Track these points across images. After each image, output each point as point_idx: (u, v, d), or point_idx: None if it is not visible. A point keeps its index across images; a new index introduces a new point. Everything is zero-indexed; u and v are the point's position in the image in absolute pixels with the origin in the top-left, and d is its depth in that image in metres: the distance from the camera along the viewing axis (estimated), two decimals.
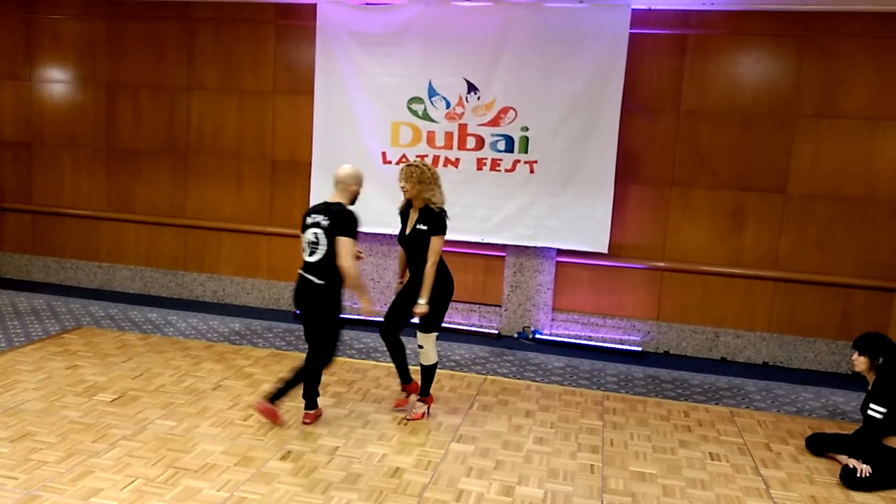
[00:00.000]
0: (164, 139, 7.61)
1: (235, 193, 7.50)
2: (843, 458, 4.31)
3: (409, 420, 4.72)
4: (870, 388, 4.42)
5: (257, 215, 7.49)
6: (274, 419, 4.47)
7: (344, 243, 4.28)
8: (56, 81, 7.84)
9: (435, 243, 4.53)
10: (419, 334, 4.66)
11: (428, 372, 4.73)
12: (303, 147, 7.18)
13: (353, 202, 4.49)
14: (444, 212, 4.56)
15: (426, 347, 4.66)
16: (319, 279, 4.35)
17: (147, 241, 7.81)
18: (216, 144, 7.48)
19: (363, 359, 5.93)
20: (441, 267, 4.64)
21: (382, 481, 3.89)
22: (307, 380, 4.53)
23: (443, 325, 4.75)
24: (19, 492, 3.56)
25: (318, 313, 4.44)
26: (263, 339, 6.40)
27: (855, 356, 4.45)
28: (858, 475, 4.09)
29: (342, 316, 4.55)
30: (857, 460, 4.17)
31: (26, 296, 7.40)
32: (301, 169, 7.21)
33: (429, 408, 4.85)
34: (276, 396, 4.43)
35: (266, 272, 7.55)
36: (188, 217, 7.65)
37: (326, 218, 4.34)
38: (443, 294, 4.65)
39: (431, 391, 4.85)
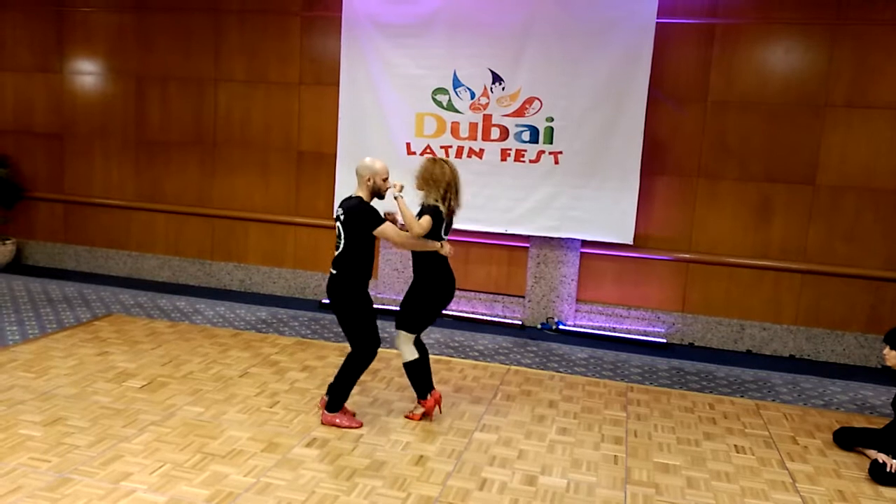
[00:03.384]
0: (192, 130, 7.70)
1: (262, 184, 7.57)
2: (872, 453, 4.26)
3: (407, 417, 4.58)
4: None
5: (283, 205, 7.56)
6: (347, 425, 4.40)
7: (384, 231, 4.23)
8: (87, 73, 7.97)
9: (426, 219, 4.25)
10: (397, 331, 4.49)
11: (408, 371, 4.50)
12: (328, 138, 7.22)
13: (376, 195, 4.33)
14: (438, 206, 4.30)
15: (398, 344, 4.47)
16: (334, 269, 4.32)
17: (175, 231, 7.92)
18: (243, 135, 7.55)
19: (387, 348, 5.96)
20: (442, 267, 4.43)
21: (406, 469, 3.92)
22: (337, 376, 4.42)
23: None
24: (52, 474, 3.65)
25: (334, 304, 4.36)
26: (289, 327, 6.47)
27: (886, 350, 4.38)
28: (888, 470, 4.04)
29: (367, 307, 4.37)
30: (887, 455, 4.11)
31: (58, 283, 7.55)
32: (326, 160, 7.25)
33: (427, 413, 4.55)
34: (331, 406, 4.41)
35: (292, 262, 7.62)
36: (216, 207, 7.75)
37: (343, 212, 4.28)
38: (436, 294, 4.45)
39: (458, 386, 4.83)
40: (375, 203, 4.34)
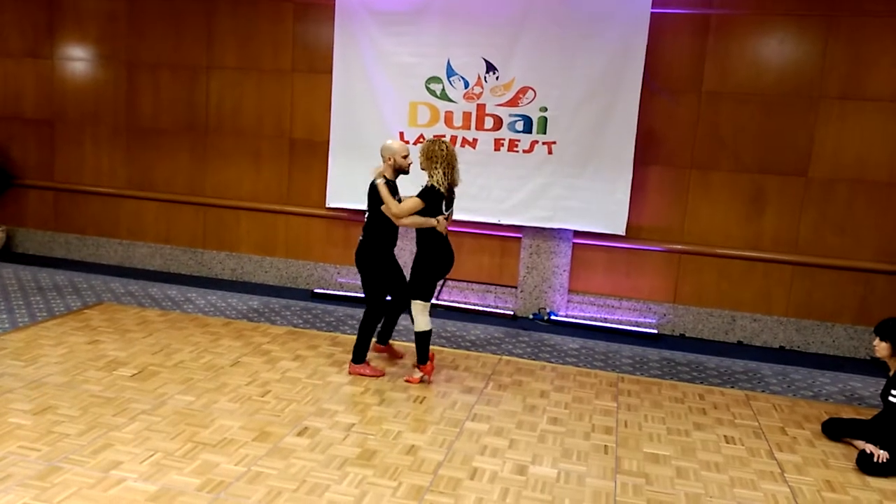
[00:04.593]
0: (184, 118, 7.65)
1: (254, 172, 7.53)
2: (860, 444, 4.29)
3: (406, 381, 5.01)
4: (891, 374, 4.39)
5: (275, 194, 7.53)
6: (369, 374, 5.07)
7: (383, 196, 4.78)
8: (77, 59, 7.89)
9: (409, 200, 4.77)
10: (412, 301, 4.93)
11: (417, 339, 4.94)
12: (321, 126, 7.19)
13: (400, 172, 4.92)
14: (434, 187, 4.75)
15: (413, 314, 4.91)
16: (361, 236, 5.00)
17: (167, 219, 7.89)
18: (235, 123, 7.51)
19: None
20: (439, 239, 4.88)
21: (397, 458, 3.93)
22: (358, 334, 5.08)
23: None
24: (41, 463, 3.63)
25: (358, 266, 5.01)
26: (281, 316, 6.46)
27: (876, 342, 4.41)
28: (875, 460, 4.07)
29: (386, 272, 5.02)
30: (875, 445, 4.15)
31: (48, 272, 7.51)
32: (319, 148, 7.22)
33: (427, 376, 5.01)
34: (355, 357, 5.09)
35: (284, 251, 7.59)
36: (207, 195, 7.71)
37: (369, 188, 4.92)
38: (434, 263, 4.90)
39: (456, 371, 4.90)
40: (401, 180, 5.02)
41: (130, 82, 7.76)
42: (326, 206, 7.25)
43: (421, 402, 4.71)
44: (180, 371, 4.97)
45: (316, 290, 7.33)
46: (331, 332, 6.09)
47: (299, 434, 4.14)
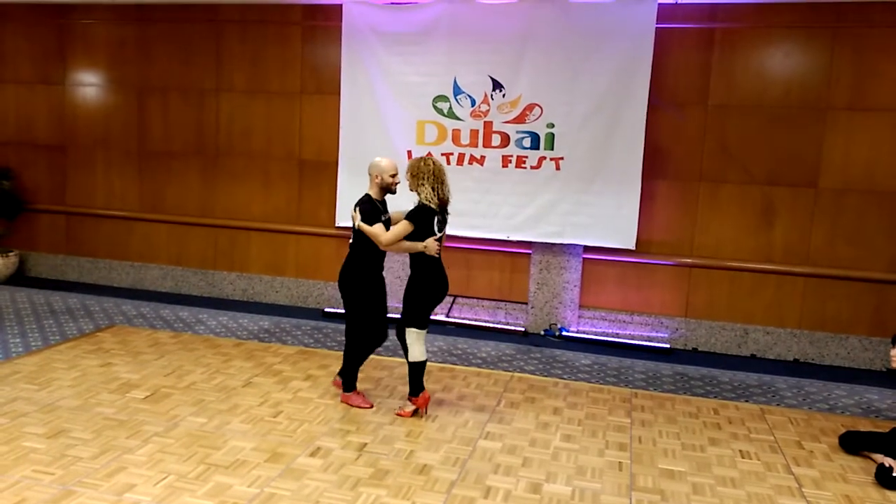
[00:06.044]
0: (194, 140, 7.71)
1: (264, 193, 7.58)
2: (879, 457, 4.24)
3: (398, 414, 4.74)
4: None
5: (285, 214, 7.56)
6: (357, 404, 4.85)
7: (366, 231, 4.54)
8: (89, 85, 7.99)
9: (398, 225, 4.51)
10: (407, 330, 4.66)
11: (411, 370, 4.67)
12: (330, 147, 7.23)
13: (387, 191, 4.72)
14: (424, 206, 4.52)
15: (409, 342, 4.64)
16: (346, 259, 4.75)
17: (178, 241, 7.93)
18: (244, 145, 7.57)
19: (389, 356, 5.96)
20: (432, 263, 4.61)
21: (410, 478, 3.91)
22: (344, 362, 4.91)
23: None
24: (56, 487, 3.64)
25: (341, 287, 4.77)
26: (292, 336, 6.46)
27: (893, 353, 4.36)
28: (894, 474, 4.02)
29: (369, 299, 4.74)
30: (894, 459, 4.09)
31: (61, 295, 7.56)
32: (328, 168, 7.26)
33: (420, 409, 4.74)
34: (346, 386, 4.91)
35: (294, 271, 7.62)
36: (218, 217, 7.75)
37: (354, 207, 4.66)
38: (428, 288, 4.62)
39: (461, 391, 4.85)
40: (389, 199, 4.78)
41: (141, 106, 7.84)
42: (336, 225, 7.27)
43: (433, 421, 4.69)
44: (192, 393, 4.97)
45: (326, 310, 7.34)
46: (342, 351, 6.08)
47: (312, 454, 4.12)
